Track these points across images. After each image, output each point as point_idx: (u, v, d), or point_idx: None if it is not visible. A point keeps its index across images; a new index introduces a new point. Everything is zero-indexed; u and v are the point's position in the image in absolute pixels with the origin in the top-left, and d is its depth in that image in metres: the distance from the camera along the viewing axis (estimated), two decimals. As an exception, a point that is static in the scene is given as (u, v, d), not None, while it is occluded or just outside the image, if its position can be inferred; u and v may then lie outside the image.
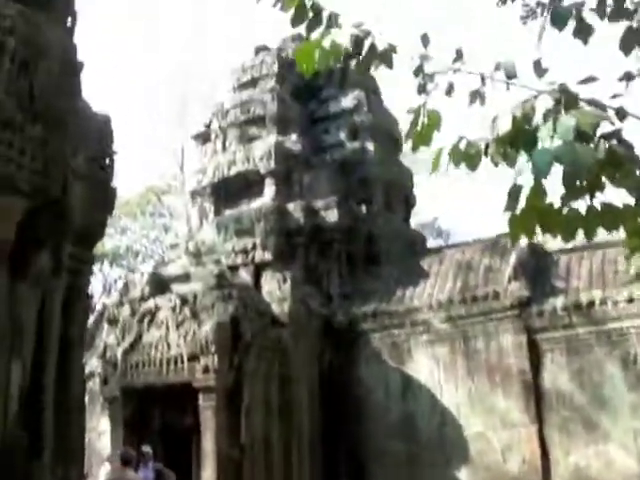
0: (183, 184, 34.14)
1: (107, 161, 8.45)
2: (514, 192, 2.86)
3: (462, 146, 3.12)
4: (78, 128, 8.13)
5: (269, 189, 18.17)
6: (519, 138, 2.91)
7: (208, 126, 20.44)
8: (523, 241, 15.92)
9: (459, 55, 3.32)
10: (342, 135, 19.26)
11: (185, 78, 37.84)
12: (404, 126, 3.44)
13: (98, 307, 18.29)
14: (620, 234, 3.07)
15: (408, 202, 19.90)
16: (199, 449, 14.14)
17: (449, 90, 3.33)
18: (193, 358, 14.11)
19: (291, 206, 17.70)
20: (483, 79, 3.27)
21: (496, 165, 3.09)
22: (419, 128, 3.24)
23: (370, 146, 18.88)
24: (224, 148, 19.37)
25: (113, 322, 15.35)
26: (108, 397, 14.72)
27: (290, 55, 21.24)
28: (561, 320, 14.26)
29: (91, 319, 15.22)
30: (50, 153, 7.67)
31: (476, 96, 3.31)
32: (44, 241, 7.69)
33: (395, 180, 19.23)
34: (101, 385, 15.02)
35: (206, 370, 13.96)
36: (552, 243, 15.13)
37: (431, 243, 25.03)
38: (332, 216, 17.59)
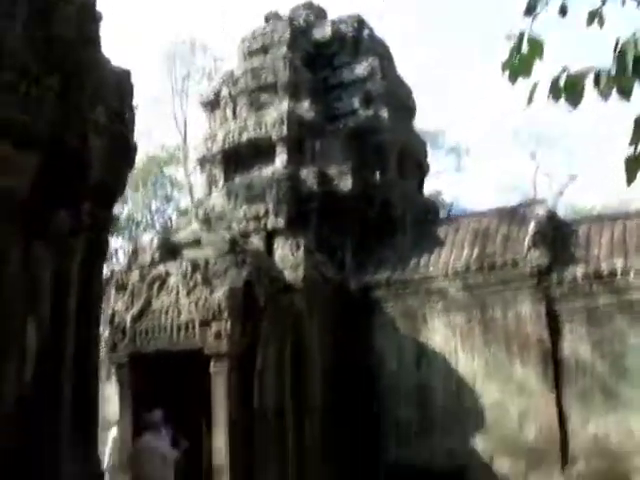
0: (186, 155, 33.79)
1: (127, 115, 8.05)
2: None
3: (564, 78, 2.71)
4: (97, 80, 7.75)
5: (281, 156, 17.76)
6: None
7: (217, 94, 19.96)
8: (542, 209, 15.59)
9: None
10: (355, 103, 18.80)
11: (190, 47, 37.31)
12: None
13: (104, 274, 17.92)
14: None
15: (422, 170, 19.52)
16: (210, 416, 13.83)
17: (563, 10, 2.91)
18: (205, 324, 13.75)
19: (303, 173, 17.31)
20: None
21: (605, 99, 2.68)
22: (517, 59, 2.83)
23: (384, 113, 18.43)
24: (234, 115, 18.92)
25: (121, 288, 14.96)
26: (116, 363, 14.38)
27: (301, 22, 20.83)
28: (581, 289, 13.90)
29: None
30: (68, 104, 7.28)
31: (594, 17, 2.90)
32: (62, 198, 7.31)
33: (409, 147, 18.81)
34: (109, 352, 14.67)
35: (218, 336, 13.60)
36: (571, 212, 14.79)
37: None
38: (345, 183, 17.20)
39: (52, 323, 7.30)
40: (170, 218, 33.50)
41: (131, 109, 8.15)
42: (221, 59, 35.96)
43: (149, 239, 15.61)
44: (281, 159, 17.71)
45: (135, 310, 14.29)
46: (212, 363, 13.64)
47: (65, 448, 7.14)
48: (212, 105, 19.71)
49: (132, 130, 8.12)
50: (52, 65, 7.24)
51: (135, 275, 14.58)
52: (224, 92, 19.44)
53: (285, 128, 17.79)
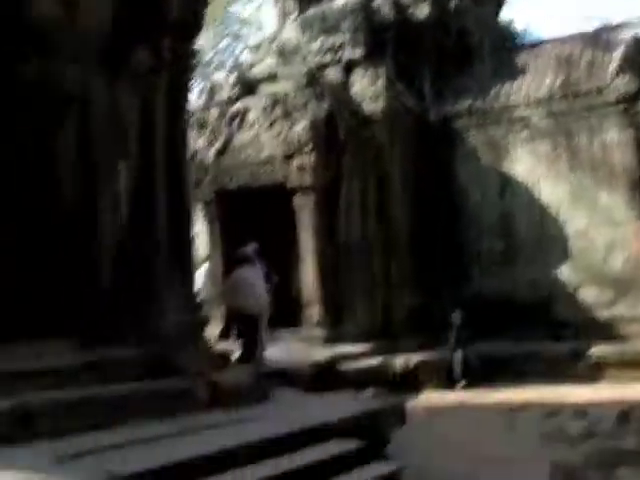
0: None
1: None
2: None
3: None
4: None
5: None
6: None
7: None
8: (628, 32, 14.80)
9: None
10: None
11: None
12: None
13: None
14: None
15: (498, -4, 18.57)
16: (296, 249, 13.99)
17: None
18: (287, 158, 13.71)
19: (378, 1, 16.64)
20: None
21: None
22: None
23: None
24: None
25: (201, 127, 14.92)
26: (202, 201, 14.53)
27: None
28: (672, 115, 13.34)
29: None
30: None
31: None
32: (141, 35, 7.17)
33: (488, -29, 17.86)
34: (193, 189, 14.78)
35: (301, 169, 13.58)
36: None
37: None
38: (421, 11, 16.50)
39: (141, 160, 7.32)
40: (239, 57, 32.88)
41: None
42: None
43: (225, 76, 15.39)
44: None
45: (217, 147, 14.30)
46: (296, 196, 13.68)
47: (164, 286, 7.33)
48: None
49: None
50: None
51: (214, 113, 14.51)
52: None
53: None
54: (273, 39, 16.89)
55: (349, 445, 6.31)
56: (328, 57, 15.69)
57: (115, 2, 6.95)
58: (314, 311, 13.69)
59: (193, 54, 7.89)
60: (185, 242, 7.82)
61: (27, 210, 6.84)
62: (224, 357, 7.78)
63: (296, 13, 17.33)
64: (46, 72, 6.61)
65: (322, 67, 15.49)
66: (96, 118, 6.97)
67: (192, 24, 7.59)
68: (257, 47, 17.32)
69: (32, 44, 6.47)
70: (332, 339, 13.26)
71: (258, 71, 15.05)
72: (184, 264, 7.76)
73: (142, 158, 7.31)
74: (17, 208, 6.69)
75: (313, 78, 14.42)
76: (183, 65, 7.56)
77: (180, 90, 7.61)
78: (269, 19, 26.16)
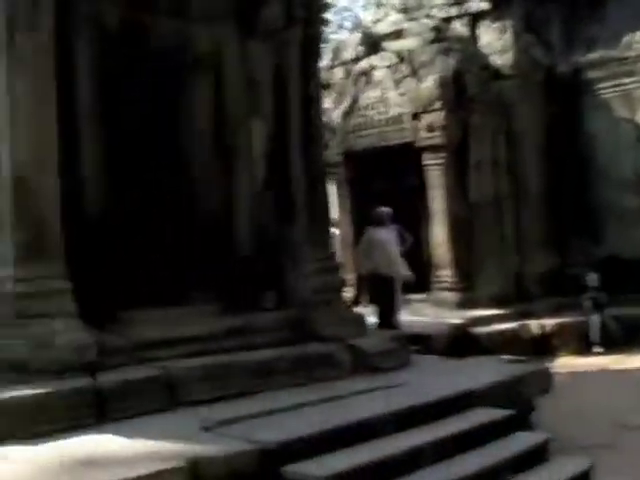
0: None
1: None
2: None
3: None
4: None
5: None
6: None
7: None
8: None
9: None
10: None
11: None
12: None
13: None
14: None
15: None
16: (426, 209, 13.68)
17: None
18: (415, 116, 13.37)
19: (503, -51, 15.95)
20: None
21: None
22: None
23: None
24: None
25: (326, 87, 14.68)
26: (330, 162, 14.35)
27: None
28: None
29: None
30: None
31: None
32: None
33: None
34: (323, 151, 14.62)
35: (430, 128, 13.21)
36: None
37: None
38: (550, -45, 15.74)
39: (276, 121, 7.15)
40: (358, 16, 32.53)
41: None
42: None
43: (349, 35, 15.12)
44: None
45: (343, 108, 14.08)
46: (425, 156, 13.35)
47: (302, 250, 7.17)
48: None
49: None
50: None
51: (339, 72, 14.29)
52: None
53: None
54: (396, 0, 16.47)
55: (496, 414, 6.03)
56: (453, 10, 15.19)
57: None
58: (445, 274, 13.38)
59: (324, 7, 7.62)
60: (321, 204, 7.63)
61: (164, 174, 6.77)
62: (361, 321, 7.57)
63: (418, -33, 16.82)
64: (180, 32, 6.48)
65: (447, 21, 15.00)
66: (230, 79, 6.82)
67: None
68: (379, 4, 16.91)
69: (162, 5, 6.37)
70: (464, 303, 12.96)
71: (382, 28, 14.70)
72: (321, 226, 7.57)
73: (276, 118, 7.13)
74: (154, 171, 6.62)
75: (439, 33, 13.99)
76: (315, 19, 7.31)
77: (313, 46, 7.37)
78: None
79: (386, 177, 14.08)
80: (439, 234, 13.31)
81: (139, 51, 6.34)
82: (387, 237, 10.59)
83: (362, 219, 12.37)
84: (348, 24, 33.38)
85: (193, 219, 6.89)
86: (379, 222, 10.67)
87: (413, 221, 13.85)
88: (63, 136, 5.61)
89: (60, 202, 5.55)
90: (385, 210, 10.91)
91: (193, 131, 6.97)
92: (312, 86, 7.37)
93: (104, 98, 6.13)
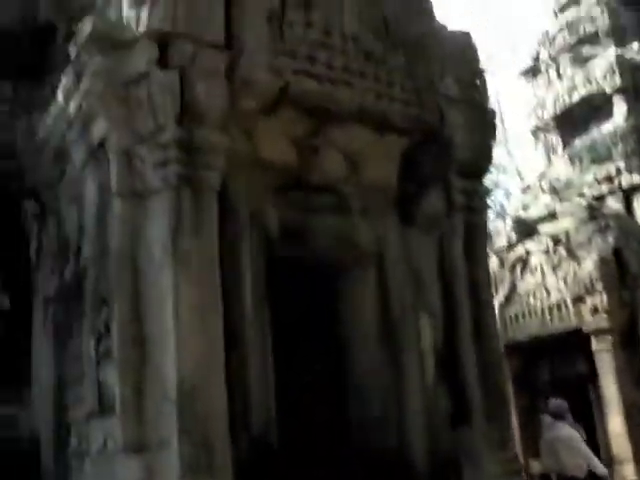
0: (504, 133, 32.71)
1: (477, 81, 7.43)
2: None
3: None
4: (440, 50, 7.20)
5: (619, 107, 16.36)
6: None
7: (535, 58, 18.95)
8: None
9: None
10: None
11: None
12: None
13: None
14: None
15: None
16: (598, 397, 12.85)
17: None
18: (578, 300, 12.85)
19: (648, 122, 15.77)
20: None
21: None
22: None
23: None
24: (559, 76, 17.81)
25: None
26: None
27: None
28: None
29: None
30: (418, 81, 6.80)
31: None
32: (430, 179, 6.84)
33: None
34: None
35: (595, 311, 12.62)
36: None
37: None
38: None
39: (443, 312, 6.83)
40: (501, 203, 32.70)
41: (480, 74, 7.52)
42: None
43: (500, 222, 14.99)
44: (620, 111, 16.31)
45: (501, 297, 13.70)
46: (593, 340, 12.68)
47: (480, 450, 6.61)
48: (533, 71, 18.75)
49: (486, 97, 7.49)
50: (393, 43, 6.81)
51: (494, 261, 14.00)
52: (543, 55, 18.43)
53: (618, 77, 16.38)
54: (542, 177, 16.41)
55: None
56: (604, 187, 14.90)
57: (401, 148, 6.70)
58: (627, 470, 12.31)
59: (485, 192, 7.44)
60: (498, 399, 7.10)
61: (324, 378, 6.50)
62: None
63: (561, 147, 16.84)
64: (340, 228, 6.39)
65: (600, 199, 14.69)
66: (393, 271, 6.61)
67: (480, 164, 7.19)
68: (527, 188, 16.85)
69: (324, 200, 6.32)
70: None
71: (533, 212, 14.53)
72: (500, 424, 7.02)
73: (444, 309, 6.81)
74: (314, 374, 6.38)
75: (593, 211, 13.63)
76: (477, 205, 7.12)
77: (477, 232, 7.14)
78: (525, 163, 25.80)
79: (553, 366, 13.46)
80: (615, 422, 12.36)
81: (299, 250, 6.24)
82: (572, 433, 9.82)
83: (527, 411, 11.70)
84: (491, 212, 33.52)
85: (353, 427, 6.50)
86: (558, 415, 9.94)
87: (585, 411, 13.03)
88: (228, 346, 5.44)
89: (227, 414, 5.30)
90: (562, 402, 10.21)
91: (355, 327, 6.72)
92: (480, 273, 7.07)
93: (267, 304, 5.99)
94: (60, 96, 6.42)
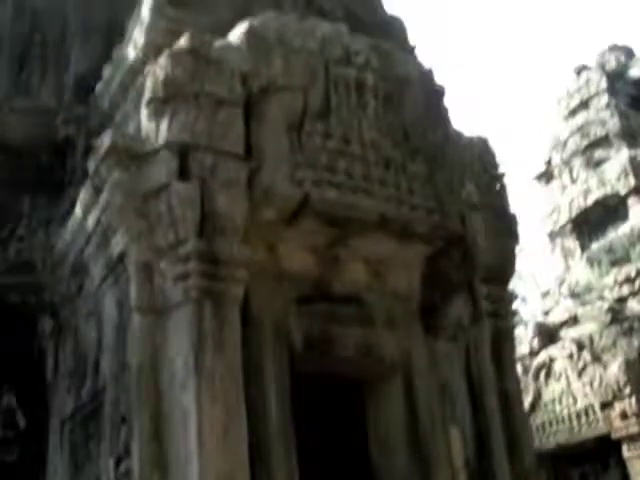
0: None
1: (498, 186, 7.39)
2: None
3: None
4: (459, 156, 7.19)
5: (634, 209, 16.39)
6: None
7: (548, 162, 19.11)
8: None
9: None
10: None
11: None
12: None
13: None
14: None
15: None
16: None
17: None
18: (606, 405, 12.52)
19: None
20: None
21: None
22: None
23: None
24: (572, 180, 17.92)
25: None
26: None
27: (613, 66, 19.68)
28: None
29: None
30: (439, 188, 6.76)
31: None
32: (454, 286, 6.72)
33: None
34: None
35: (624, 416, 12.29)
36: None
37: None
38: None
39: (473, 424, 6.61)
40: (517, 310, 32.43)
41: (499, 179, 7.50)
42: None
43: (522, 328, 14.79)
44: (635, 211, 16.35)
45: (526, 405, 13.35)
46: (624, 447, 12.30)
47: None
48: (546, 176, 18.88)
49: (507, 201, 7.45)
50: (412, 150, 6.80)
51: (517, 368, 13.73)
52: (555, 159, 18.58)
53: (632, 178, 16.48)
54: (562, 282, 16.30)
55: None
56: (625, 289, 14.77)
57: (423, 257, 6.61)
58: None
59: (511, 298, 7.31)
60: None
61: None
62: None
63: (578, 251, 16.82)
64: (364, 339, 6.25)
65: (621, 300, 14.53)
66: (420, 382, 6.42)
67: (505, 267, 7.09)
68: (546, 293, 16.73)
69: (347, 310, 6.20)
70: None
71: (556, 317, 14.36)
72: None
73: (474, 421, 6.59)
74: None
75: (617, 313, 13.46)
76: (503, 311, 6.99)
77: (504, 339, 6.99)
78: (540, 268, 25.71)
79: (583, 475, 13.10)
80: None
81: (323, 361, 6.09)
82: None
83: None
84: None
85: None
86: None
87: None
88: (253, 462, 5.25)
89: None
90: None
91: (382, 440, 6.51)
92: (509, 381, 6.89)
93: (291, 419, 5.80)
94: (78, 210, 6.41)
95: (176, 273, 5.36)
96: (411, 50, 8.26)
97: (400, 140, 6.78)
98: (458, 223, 6.71)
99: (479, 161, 7.40)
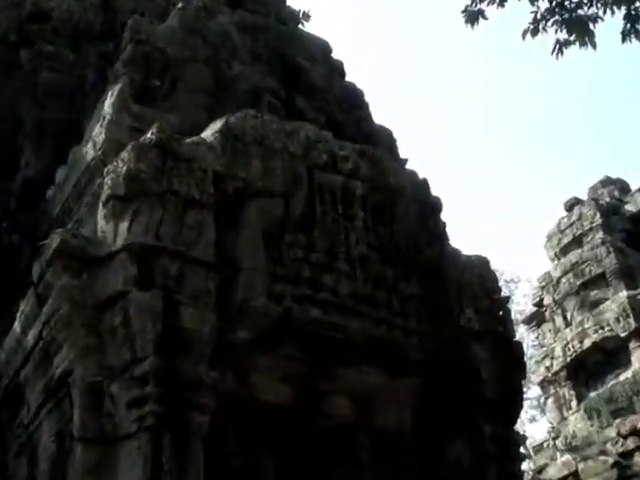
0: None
1: (501, 312, 6.98)
2: None
3: None
4: (458, 277, 6.81)
5: (636, 353, 16.05)
6: None
7: (538, 303, 18.87)
8: None
9: None
10: None
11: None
12: None
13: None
14: None
15: None
16: None
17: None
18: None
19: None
20: None
21: None
22: None
23: None
24: (566, 322, 17.63)
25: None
26: None
27: (607, 200, 19.79)
28: None
29: None
30: (435, 311, 6.35)
31: None
32: (454, 423, 6.23)
33: None
34: None
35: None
36: None
37: None
38: None
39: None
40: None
41: (502, 304, 7.09)
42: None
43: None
44: (638, 355, 15.99)
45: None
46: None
47: None
48: (537, 318, 18.60)
49: (512, 329, 7.02)
50: (406, 269, 6.42)
51: None
52: (547, 300, 18.32)
53: (632, 321, 16.19)
54: (557, 433, 15.79)
55: None
56: (630, 442, 14.30)
57: (418, 389, 6.15)
58: None
59: (518, 439, 6.79)
60: None
61: None
62: None
63: (575, 400, 16.39)
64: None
65: (626, 454, 14.03)
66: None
67: (511, 403, 6.58)
68: (540, 447, 16.19)
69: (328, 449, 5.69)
70: None
71: (552, 473, 13.91)
72: None
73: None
74: None
75: (621, 469, 13.02)
76: (511, 454, 6.44)
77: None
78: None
79: None
80: None
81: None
82: None
83: None
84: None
85: None
86: None
87: None
88: None
89: None
90: None
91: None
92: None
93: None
94: (17, 326, 5.89)
95: (130, 397, 4.85)
96: (402, 162, 7.99)
97: (392, 256, 6.40)
98: (457, 352, 6.28)
99: (479, 283, 6.99)
